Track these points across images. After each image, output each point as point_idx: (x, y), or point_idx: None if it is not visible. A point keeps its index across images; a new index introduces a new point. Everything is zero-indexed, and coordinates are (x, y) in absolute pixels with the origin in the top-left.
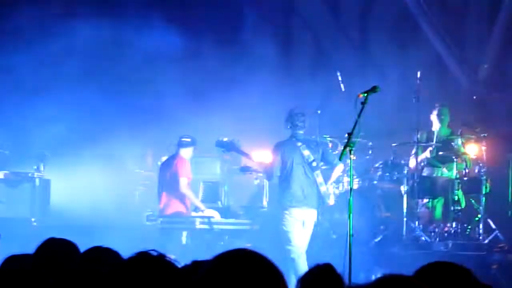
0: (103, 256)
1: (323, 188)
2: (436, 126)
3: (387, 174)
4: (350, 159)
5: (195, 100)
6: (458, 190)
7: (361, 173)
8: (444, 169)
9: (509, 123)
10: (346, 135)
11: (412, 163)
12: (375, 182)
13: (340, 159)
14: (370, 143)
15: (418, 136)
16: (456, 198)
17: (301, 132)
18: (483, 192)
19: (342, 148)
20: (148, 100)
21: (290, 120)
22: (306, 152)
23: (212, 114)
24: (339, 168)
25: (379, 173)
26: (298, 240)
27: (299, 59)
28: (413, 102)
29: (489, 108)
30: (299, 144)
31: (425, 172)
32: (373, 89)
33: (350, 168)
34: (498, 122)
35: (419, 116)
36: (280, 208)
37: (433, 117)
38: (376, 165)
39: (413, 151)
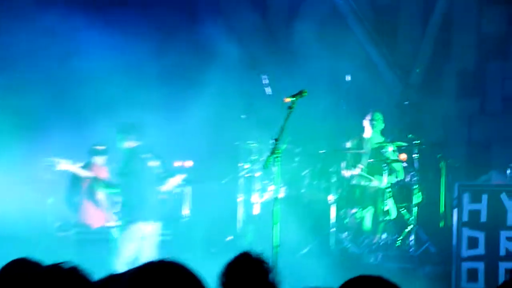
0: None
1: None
2: (368, 132)
3: (315, 182)
4: (276, 166)
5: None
6: (388, 199)
7: (287, 181)
8: (374, 178)
9: (441, 130)
10: (273, 141)
11: (344, 173)
12: (302, 190)
13: (266, 166)
14: (298, 150)
15: (349, 143)
16: (386, 208)
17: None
18: (415, 202)
19: (268, 155)
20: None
21: (132, 133)
22: (153, 163)
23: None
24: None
25: (306, 181)
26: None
27: (222, 62)
28: (343, 107)
29: (422, 114)
30: (145, 156)
31: (354, 181)
32: (300, 93)
33: (276, 176)
34: (431, 128)
35: (349, 121)
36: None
37: (366, 123)
38: (304, 172)
39: (344, 165)
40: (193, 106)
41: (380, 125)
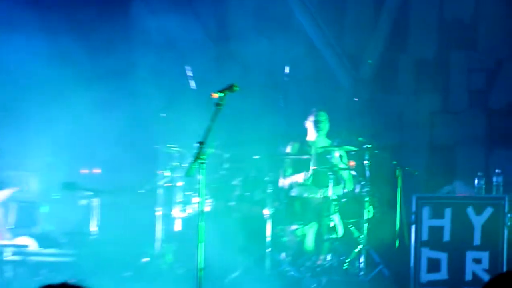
0: None
1: None
2: (311, 135)
3: (248, 193)
4: (202, 174)
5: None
6: (334, 214)
7: (215, 192)
8: (318, 188)
9: (397, 131)
10: (197, 144)
11: (281, 182)
12: (232, 203)
13: (189, 174)
14: (227, 155)
15: (289, 147)
16: (332, 224)
17: None
18: (366, 217)
19: (192, 161)
20: None
21: None
22: None
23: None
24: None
25: (237, 192)
26: None
27: (140, 52)
28: (281, 104)
29: (374, 113)
30: None
31: (294, 192)
32: (231, 88)
33: (202, 186)
34: (385, 129)
35: (289, 122)
36: None
37: (309, 124)
38: (234, 182)
39: (283, 172)
40: (101, 102)
41: (325, 127)
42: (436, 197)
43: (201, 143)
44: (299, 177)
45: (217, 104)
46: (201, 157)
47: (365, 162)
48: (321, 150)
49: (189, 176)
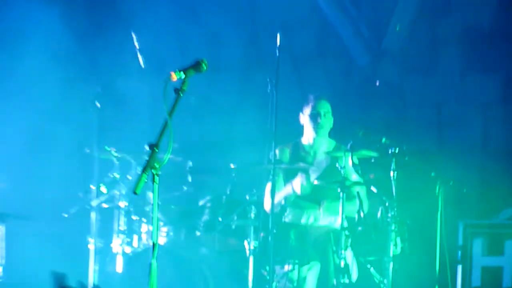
0: None
1: None
2: (309, 134)
3: (220, 217)
4: (154, 191)
5: None
6: (346, 249)
7: (173, 216)
8: (322, 212)
9: (436, 130)
10: (148, 147)
11: (267, 203)
12: (198, 233)
13: (136, 190)
14: (191, 163)
15: (277, 153)
16: (342, 263)
17: None
18: (391, 254)
19: (141, 171)
20: None
21: None
22: None
23: None
24: None
25: (206, 217)
26: None
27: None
28: (269, 91)
29: (403, 103)
30: None
31: (288, 217)
32: (197, 66)
33: (155, 207)
34: (419, 127)
35: (278, 116)
36: None
37: (304, 119)
38: (202, 202)
39: (269, 189)
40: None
41: (328, 122)
42: (492, 224)
43: (153, 146)
44: (296, 185)
45: (178, 90)
46: (153, 166)
47: (391, 173)
48: (324, 156)
49: (137, 193)
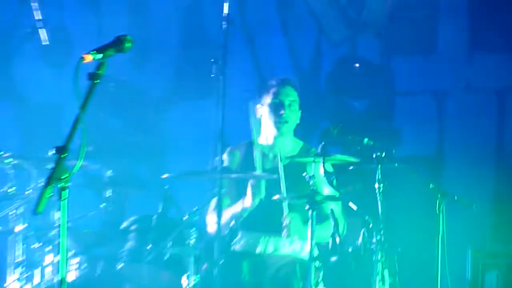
0: None
1: None
2: (268, 132)
3: (150, 246)
4: (62, 209)
5: None
6: (316, 286)
7: (87, 242)
8: (284, 237)
9: (436, 129)
10: (53, 151)
11: (211, 223)
12: (121, 264)
13: (39, 209)
14: (110, 173)
15: (225, 158)
16: None
17: None
18: None
19: (45, 183)
20: None
21: None
22: None
23: None
24: None
25: (131, 243)
26: None
27: None
28: (214, 77)
29: (394, 91)
30: None
31: (240, 244)
32: (118, 45)
33: (62, 233)
34: (413, 125)
35: (229, 109)
36: None
37: (263, 111)
38: (125, 224)
39: (214, 206)
40: None
41: (295, 115)
42: (510, 253)
43: (60, 150)
44: (248, 201)
45: (93, 76)
46: (60, 177)
47: (376, 185)
48: (288, 161)
49: (39, 213)
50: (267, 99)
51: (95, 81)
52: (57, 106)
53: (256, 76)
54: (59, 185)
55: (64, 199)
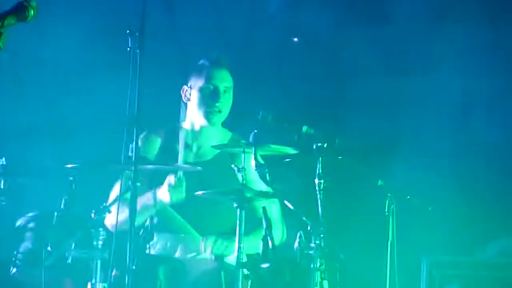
0: None
1: None
2: (197, 120)
3: (50, 248)
4: None
5: None
6: None
7: None
8: (209, 242)
9: (388, 113)
10: None
11: (109, 220)
12: (14, 270)
13: None
14: (3, 161)
15: (140, 143)
16: None
17: None
18: None
19: None
20: None
21: None
22: None
23: None
24: None
25: (27, 245)
26: None
27: None
28: (127, 44)
29: (340, 71)
30: None
31: (155, 247)
32: (19, 12)
33: None
34: (362, 110)
35: (143, 88)
36: None
37: (192, 95)
38: (20, 221)
39: (114, 191)
40: None
41: (230, 103)
42: (473, 264)
43: None
44: (163, 195)
45: None
46: None
47: (316, 181)
48: (215, 152)
49: None
50: (198, 82)
51: None
52: None
53: (179, 52)
54: None
55: None
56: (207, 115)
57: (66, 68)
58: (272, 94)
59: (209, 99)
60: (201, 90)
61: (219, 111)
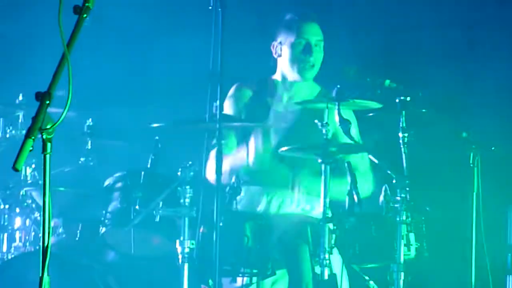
0: None
1: None
2: (290, 75)
3: (138, 207)
4: (46, 165)
5: None
6: (330, 252)
7: (64, 204)
8: (296, 192)
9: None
10: (36, 98)
11: (210, 172)
12: (104, 229)
13: (17, 165)
14: (90, 121)
15: (231, 93)
16: (326, 273)
17: None
18: (401, 259)
19: (24, 135)
20: None
21: None
22: None
23: None
24: None
25: (115, 204)
26: None
27: None
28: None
29: (421, 22)
30: None
31: (242, 203)
32: None
33: (46, 191)
34: (446, 61)
35: (226, 45)
36: None
37: (283, 51)
38: (108, 181)
39: (213, 145)
40: None
41: (321, 57)
42: None
43: (44, 96)
44: (251, 153)
45: (80, 9)
46: (44, 127)
47: (400, 135)
48: (300, 106)
49: (18, 169)
50: (289, 37)
51: (83, 16)
52: (28, 40)
53: (262, 9)
54: (42, 137)
55: (48, 152)
56: (301, 71)
57: (149, 30)
58: (354, 44)
59: (301, 54)
60: (292, 45)
61: (312, 66)
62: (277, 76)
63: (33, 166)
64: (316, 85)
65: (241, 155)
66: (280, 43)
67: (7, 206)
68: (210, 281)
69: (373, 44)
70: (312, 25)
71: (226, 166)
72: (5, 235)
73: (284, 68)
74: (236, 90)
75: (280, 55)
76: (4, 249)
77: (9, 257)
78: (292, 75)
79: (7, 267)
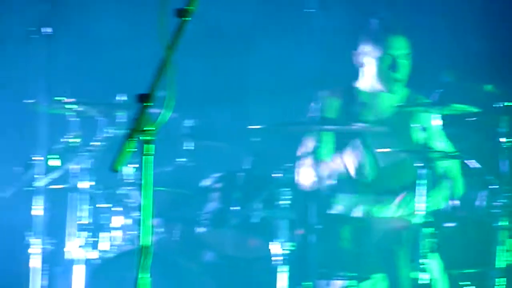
0: None
1: None
2: (376, 85)
3: (236, 207)
4: (146, 166)
5: None
6: (428, 256)
7: (164, 204)
8: (396, 197)
9: None
10: (139, 99)
11: (304, 176)
12: (202, 230)
13: (117, 166)
14: (190, 123)
15: (317, 107)
16: (424, 277)
17: None
18: (500, 265)
19: (127, 137)
20: None
21: None
22: None
23: None
24: None
25: (213, 205)
26: None
27: None
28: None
29: None
30: None
31: (340, 206)
32: None
33: (146, 191)
34: None
35: (324, 46)
36: None
37: (367, 60)
38: (207, 182)
39: (308, 150)
40: None
41: (408, 69)
42: None
43: (146, 98)
44: (348, 159)
45: (182, 12)
46: (144, 129)
47: (502, 140)
48: (394, 111)
49: (117, 170)
50: (374, 50)
51: (185, 18)
52: (128, 42)
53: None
54: (143, 138)
55: (149, 154)
56: (387, 86)
57: (248, 31)
58: (453, 53)
59: (387, 70)
60: (378, 60)
61: (399, 80)
62: (364, 84)
63: (137, 165)
64: (404, 88)
65: (338, 162)
66: (364, 53)
67: (108, 206)
68: (307, 283)
69: (473, 49)
70: (398, 38)
71: (324, 171)
72: (106, 234)
73: (370, 77)
74: (325, 98)
75: (363, 65)
76: (104, 247)
77: (110, 256)
78: (377, 86)
79: (108, 266)
